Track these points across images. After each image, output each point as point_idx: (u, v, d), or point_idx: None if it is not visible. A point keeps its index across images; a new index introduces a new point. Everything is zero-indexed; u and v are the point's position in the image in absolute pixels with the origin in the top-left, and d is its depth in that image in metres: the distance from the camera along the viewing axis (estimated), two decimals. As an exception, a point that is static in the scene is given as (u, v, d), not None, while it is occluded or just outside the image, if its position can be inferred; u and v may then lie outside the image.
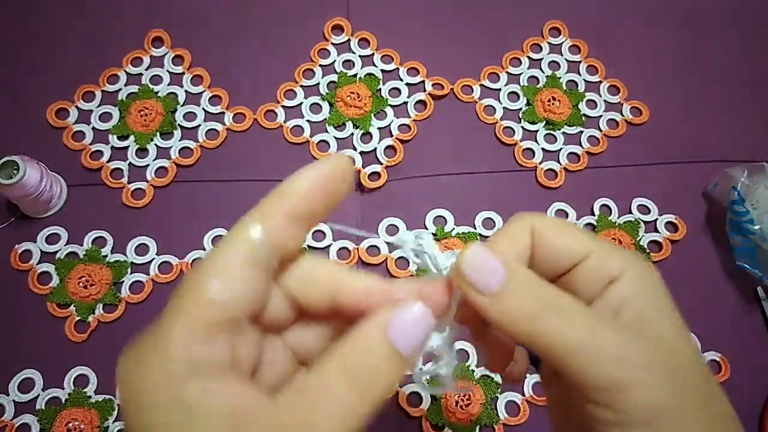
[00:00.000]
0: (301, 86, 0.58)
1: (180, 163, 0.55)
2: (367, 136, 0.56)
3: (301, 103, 0.57)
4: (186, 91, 0.58)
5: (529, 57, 0.60)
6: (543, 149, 0.57)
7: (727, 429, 0.21)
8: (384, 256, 0.52)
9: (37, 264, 0.51)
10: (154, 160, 0.55)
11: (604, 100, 0.59)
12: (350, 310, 0.22)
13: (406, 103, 0.58)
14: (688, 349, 0.21)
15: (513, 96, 0.59)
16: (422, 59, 0.59)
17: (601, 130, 0.58)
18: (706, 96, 0.60)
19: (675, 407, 0.20)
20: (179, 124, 0.56)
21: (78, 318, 0.50)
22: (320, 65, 0.59)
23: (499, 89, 0.59)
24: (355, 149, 0.56)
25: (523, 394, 0.49)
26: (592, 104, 0.59)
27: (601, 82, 0.60)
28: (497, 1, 0.63)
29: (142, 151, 0.55)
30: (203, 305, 0.19)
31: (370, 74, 0.58)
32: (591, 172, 0.57)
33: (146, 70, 0.58)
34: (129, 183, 0.54)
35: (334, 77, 0.58)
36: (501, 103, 0.58)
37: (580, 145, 0.57)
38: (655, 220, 0.55)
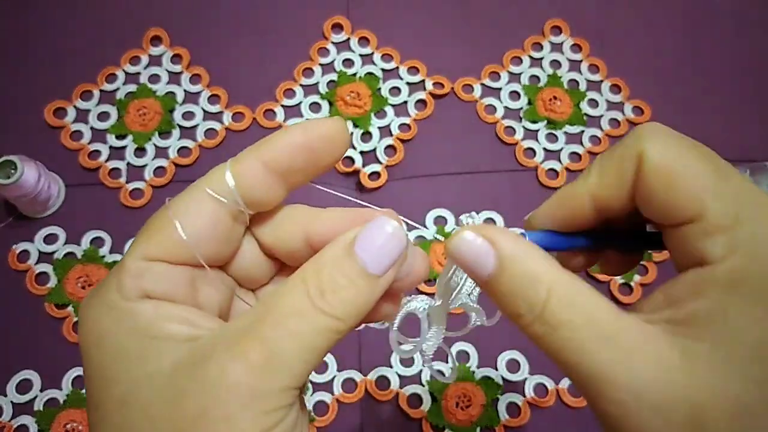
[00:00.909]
0: (301, 85, 0.58)
1: (178, 163, 0.55)
2: (367, 136, 0.56)
3: (301, 102, 0.57)
4: (184, 90, 0.57)
5: (530, 56, 0.60)
6: (544, 149, 0.57)
7: None
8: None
9: (35, 264, 0.51)
10: (152, 159, 0.55)
11: (606, 100, 0.59)
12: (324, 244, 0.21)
13: (406, 102, 0.57)
14: None
15: (514, 95, 0.58)
16: (422, 58, 0.59)
17: (602, 130, 0.58)
18: (707, 95, 0.60)
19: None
20: (178, 124, 0.56)
21: (76, 318, 0.50)
22: (320, 64, 0.58)
23: (500, 88, 0.59)
24: (354, 149, 0.56)
25: (524, 396, 0.49)
26: (593, 103, 0.59)
27: (602, 81, 0.59)
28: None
29: (140, 151, 0.55)
30: (162, 242, 0.20)
31: (370, 73, 0.58)
32: (592, 172, 0.56)
33: (144, 69, 0.58)
34: (127, 183, 0.54)
35: (333, 76, 0.58)
36: (502, 103, 0.58)
37: (582, 145, 0.57)
38: (657, 220, 0.55)
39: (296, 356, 0.18)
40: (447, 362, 0.48)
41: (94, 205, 0.53)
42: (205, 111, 0.57)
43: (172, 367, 0.18)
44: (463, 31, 0.61)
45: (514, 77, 0.59)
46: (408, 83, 0.58)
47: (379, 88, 0.57)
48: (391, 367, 0.49)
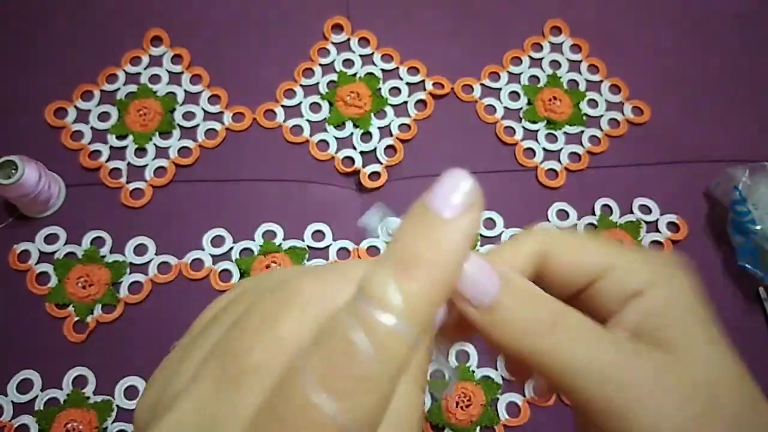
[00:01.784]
0: (301, 85, 0.58)
1: (179, 163, 0.55)
2: (366, 136, 0.56)
3: (301, 102, 0.57)
4: (185, 90, 0.57)
5: (529, 56, 0.60)
6: (544, 149, 0.57)
7: None
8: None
9: (36, 264, 0.51)
10: (152, 159, 0.55)
11: (605, 100, 0.59)
12: None
13: (406, 102, 0.57)
14: (724, 371, 0.19)
15: (514, 95, 0.59)
16: (422, 58, 0.59)
17: (602, 130, 0.58)
18: (707, 95, 0.60)
19: None
20: (178, 124, 0.56)
21: (77, 318, 0.50)
22: (320, 64, 0.58)
23: (500, 88, 0.59)
24: (354, 149, 0.56)
25: (524, 395, 0.49)
26: (593, 104, 0.59)
27: (602, 81, 0.59)
28: (498, 0, 0.63)
29: (140, 151, 0.55)
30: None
31: (369, 73, 0.58)
32: (592, 172, 0.56)
33: (145, 69, 0.58)
34: (128, 183, 0.54)
35: (333, 76, 0.58)
36: (501, 103, 0.58)
37: (581, 145, 0.57)
38: (657, 220, 0.55)
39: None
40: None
41: (95, 205, 0.53)
42: (205, 111, 0.57)
43: None
44: (463, 31, 0.61)
45: (514, 77, 0.59)
46: (408, 83, 0.58)
47: (379, 89, 0.58)
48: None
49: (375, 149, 0.56)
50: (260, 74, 0.58)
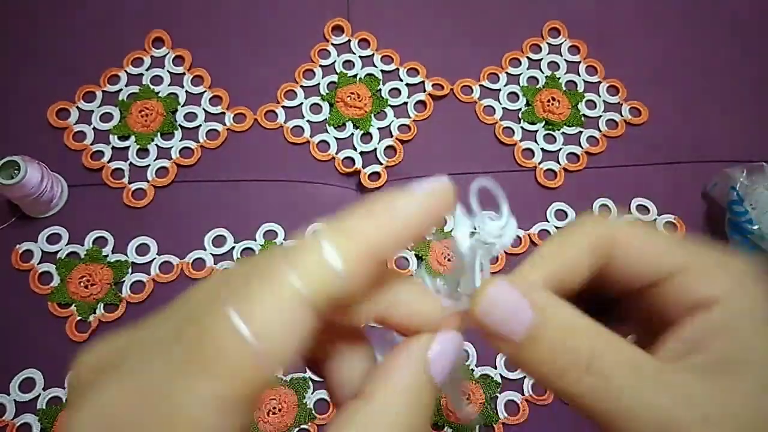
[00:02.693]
0: (302, 86, 0.58)
1: (181, 164, 0.55)
2: (367, 137, 0.57)
3: (302, 103, 0.57)
4: (186, 91, 0.58)
5: (528, 57, 0.61)
6: (542, 149, 0.57)
7: None
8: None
9: (38, 264, 0.51)
10: (154, 160, 0.55)
11: (604, 101, 0.59)
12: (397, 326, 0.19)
13: (406, 103, 0.58)
14: None
15: (512, 96, 0.59)
16: (422, 60, 0.59)
17: (600, 131, 0.58)
18: (705, 96, 0.60)
19: None
20: (180, 125, 0.56)
21: (79, 318, 0.50)
22: (320, 66, 0.59)
23: (499, 89, 0.59)
24: (355, 149, 0.56)
25: (523, 394, 0.49)
26: (591, 104, 0.59)
27: (600, 82, 0.60)
28: (497, 1, 0.63)
29: (142, 152, 0.55)
30: (236, 365, 0.15)
31: (370, 74, 0.58)
32: (590, 173, 0.57)
33: (147, 70, 0.58)
34: (130, 183, 0.54)
35: (334, 77, 0.58)
36: (500, 104, 0.58)
37: (580, 146, 0.57)
38: (655, 220, 0.55)
39: None
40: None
41: (97, 206, 0.54)
42: (206, 112, 0.57)
43: None
44: (463, 32, 0.61)
45: (513, 78, 0.60)
46: (408, 84, 0.58)
47: (379, 90, 0.58)
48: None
49: (375, 150, 0.56)
50: (261, 75, 0.58)
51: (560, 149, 0.57)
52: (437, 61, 0.59)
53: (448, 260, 0.52)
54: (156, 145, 0.56)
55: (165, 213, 0.54)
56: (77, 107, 0.57)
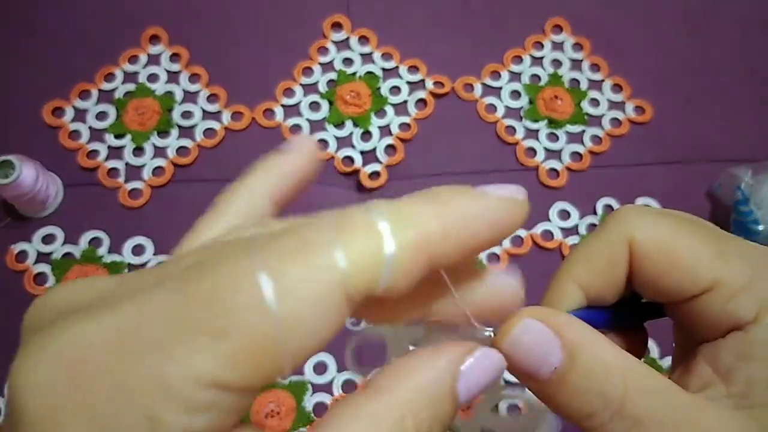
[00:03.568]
0: (300, 84, 0.57)
1: (177, 163, 0.54)
2: (366, 135, 0.56)
3: (300, 101, 0.57)
4: (183, 89, 0.57)
5: (530, 55, 0.60)
6: (545, 148, 0.56)
7: None
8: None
9: (33, 264, 0.51)
10: (151, 159, 0.54)
11: (607, 99, 0.58)
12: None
13: (406, 101, 0.57)
14: None
15: (514, 94, 0.58)
16: (422, 57, 0.58)
17: (603, 129, 0.57)
18: (710, 95, 0.59)
19: None
20: (176, 123, 0.56)
21: (74, 319, 0.49)
22: (319, 63, 0.58)
23: (501, 87, 0.58)
24: (354, 148, 0.55)
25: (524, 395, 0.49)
26: (594, 103, 0.58)
27: (603, 80, 0.59)
28: (499, -2, 0.62)
29: (138, 151, 0.55)
30: (250, 334, 0.12)
31: (369, 72, 0.58)
32: (594, 172, 0.56)
33: (143, 68, 0.58)
34: (126, 183, 0.54)
35: (333, 75, 0.57)
36: (502, 102, 0.58)
37: (583, 144, 0.57)
38: (659, 220, 0.54)
39: None
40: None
41: (93, 205, 0.53)
42: (204, 110, 0.56)
43: None
44: (464, 29, 0.61)
45: (515, 76, 0.59)
46: (408, 82, 0.58)
47: (379, 88, 0.57)
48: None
49: (375, 149, 0.55)
50: (259, 73, 0.58)
51: (563, 148, 0.56)
52: (438, 59, 0.58)
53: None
54: (152, 144, 0.55)
55: (161, 213, 0.53)
56: (72, 106, 0.56)
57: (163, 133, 0.55)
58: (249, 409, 0.15)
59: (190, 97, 0.57)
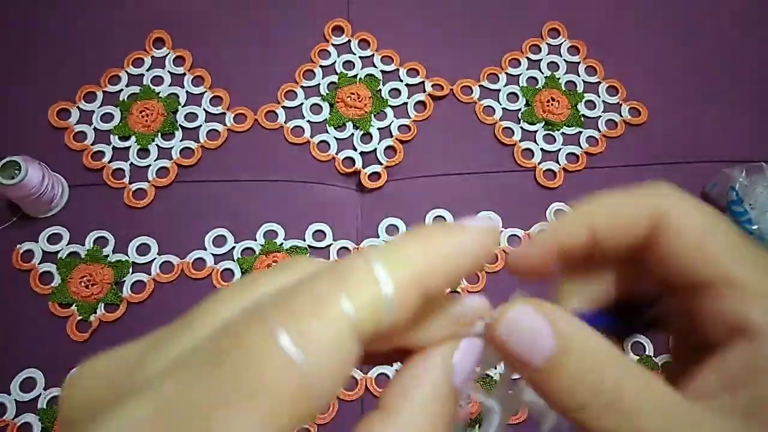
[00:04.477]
0: (302, 87, 0.58)
1: (181, 164, 0.55)
2: (367, 137, 0.57)
3: (302, 103, 0.58)
4: (187, 91, 0.58)
5: (528, 58, 0.61)
6: (542, 149, 0.57)
7: None
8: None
9: (39, 264, 0.52)
10: (155, 160, 0.55)
11: (603, 101, 0.59)
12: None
13: (406, 103, 0.58)
14: None
15: (512, 97, 0.59)
16: (422, 60, 0.59)
17: (599, 131, 0.58)
18: (704, 97, 0.60)
19: None
20: (180, 125, 0.56)
21: (80, 318, 0.50)
22: (320, 66, 0.59)
23: (499, 90, 0.59)
24: (355, 149, 0.56)
25: (523, 393, 0.49)
26: (590, 105, 0.59)
27: (599, 82, 0.60)
28: (497, 2, 0.63)
29: (143, 152, 0.56)
30: (285, 394, 0.13)
31: (370, 75, 0.59)
32: (590, 173, 0.57)
33: (147, 70, 0.58)
34: (130, 183, 0.54)
35: (334, 78, 0.58)
36: (500, 104, 0.59)
37: (579, 146, 0.58)
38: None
39: None
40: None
41: (98, 206, 0.54)
42: (207, 112, 0.57)
43: None
44: (462, 33, 0.62)
45: (513, 79, 0.60)
46: (408, 85, 0.58)
47: (379, 90, 0.58)
48: (391, 365, 0.49)
49: (375, 150, 0.56)
50: (261, 76, 0.59)
51: (560, 149, 0.57)
52: (437, 62, 0.59)
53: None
54: (156, 145, 0.56)
55: (165, 213, 0.54)
56: (78, 107, 0.57)
57: (168, 134, 0.56)
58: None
59: (193, 99, 0.58)
